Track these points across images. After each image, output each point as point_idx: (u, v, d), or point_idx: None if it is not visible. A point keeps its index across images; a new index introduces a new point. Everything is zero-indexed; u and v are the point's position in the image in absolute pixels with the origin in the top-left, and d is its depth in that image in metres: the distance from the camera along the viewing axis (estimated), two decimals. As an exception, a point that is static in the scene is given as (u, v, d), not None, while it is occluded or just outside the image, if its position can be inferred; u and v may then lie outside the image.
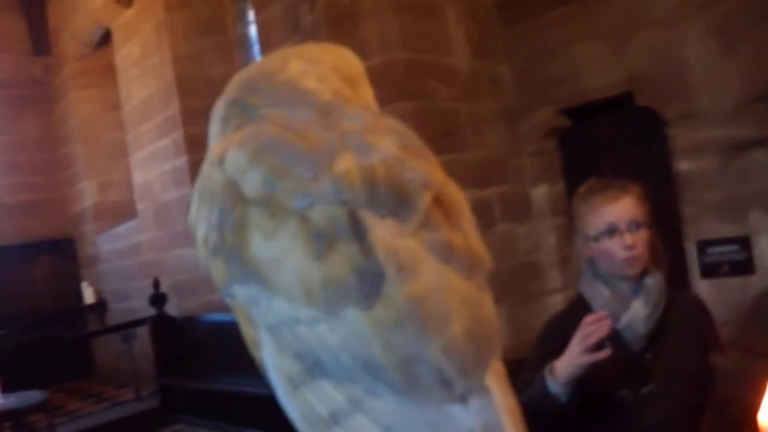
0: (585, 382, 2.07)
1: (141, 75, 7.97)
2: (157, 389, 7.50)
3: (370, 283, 0.84)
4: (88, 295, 9.96)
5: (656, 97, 4.14)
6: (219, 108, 1.09)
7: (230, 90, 1.09)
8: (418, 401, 0.87)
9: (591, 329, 1.90)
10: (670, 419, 2.02)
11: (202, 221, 0.96)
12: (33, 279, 10.28)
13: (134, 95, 8.19)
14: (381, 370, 0.86)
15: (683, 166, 4.11)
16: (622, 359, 2.04)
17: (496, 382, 0.91)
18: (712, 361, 2.10)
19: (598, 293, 2.13)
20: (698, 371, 2.08)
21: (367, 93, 1.08)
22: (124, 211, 9.36)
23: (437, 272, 0.88)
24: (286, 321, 0.88)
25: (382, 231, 0.87)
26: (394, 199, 0.89)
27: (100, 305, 9.91)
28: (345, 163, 0.88)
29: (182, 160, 7.41)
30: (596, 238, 2.10)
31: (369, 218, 0.87)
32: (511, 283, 4.60)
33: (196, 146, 7.28)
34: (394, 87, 4.22)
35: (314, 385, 0.88)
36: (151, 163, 8.07)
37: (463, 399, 0.88)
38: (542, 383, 1.98)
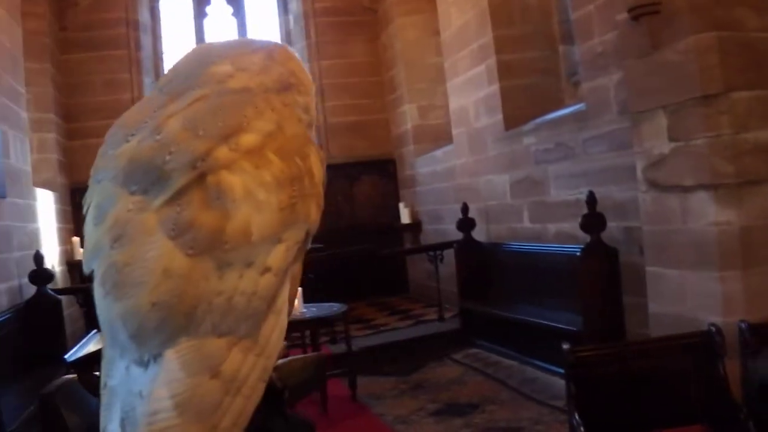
0: None
1: (458, 1, 8.44)
2: (458, 312, 8.10)
3: None
4: (405, 215, 10.89)
5: None
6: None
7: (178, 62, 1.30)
8: (119, 356, 1.06)
9: None
10: None
11: None
12: (355, 197, 11.45)
13: (453, 21, 8.71)
14: (102, 324, 1.07)
15: None
16: None
17: (181, 357, 1.01)
18: None
19: None
20: None
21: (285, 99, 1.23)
22: (442, 135, 10.03)
23: (155, 245, 1.03)
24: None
25: (122, 205, 1.05)
26: (150, 178, 1.05)
27: (416, 225, 10.81)
28: (129, 144, 1.08)
29: (494, 87, 7.79)
30: None
31: (119, 194, 1.06)
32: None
33: (508, 74, 7.63)
34: (697, 16, 4.16)
35: None
36: (466, 89, 8.57)
37: (146, 363, 1.03)
38: None
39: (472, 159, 8.65)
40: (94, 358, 3.15)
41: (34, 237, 7.40)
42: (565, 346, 3.77)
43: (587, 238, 5.74)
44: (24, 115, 7.38)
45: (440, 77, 9.67)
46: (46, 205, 8.48)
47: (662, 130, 4.50)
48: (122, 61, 10.80)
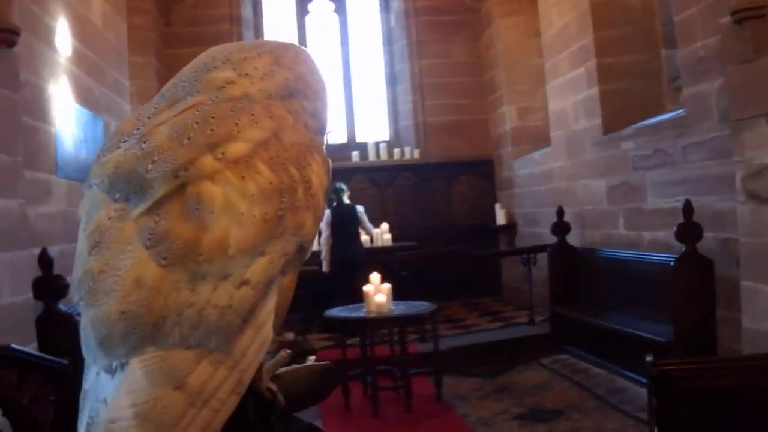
0: None
1: (560, 2, 8.31)
2: (549, 316, 7.98)
3: None
4: (501, 217, 10.80)
5: None
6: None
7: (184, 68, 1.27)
8: (91, 362, 1.06)
9: None
10: None
11: None
12: (452, 196, 11.42)
13: (553, 22, 8.59)
14: (80, 329, 1.07)
15: None
16: None
17: (145, 367, 1.01)
18: None
19: None
20: None
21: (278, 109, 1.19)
22: (540, 138, 9.90)
23: (130, 254, 1.02)
24: None
25: (104, 212, 1.05)
26: (132, 186, 1.03)
27: (511, 227, 10.70)
28: (118, 150, 1.08)
29: (594, 90, 7.64)
30: None
31: (103, 201, 1.06)
32: None
33: (608, 77, 7.47)
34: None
35: None
36: (565, 91, 8.43)
37: (113, 370, 1.02)
38: None
39: (569, 162, 8.51)
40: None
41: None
42: (648, 358, 3.65)
43: (683, 247, 5.57)
44: (128, 107, 7.63)
45: (540, 79, 9.53)
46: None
47: (764, 139, 4.31)
48: (225, 57, 11.06)
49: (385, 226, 9.83)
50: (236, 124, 1.10)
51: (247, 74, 1.19)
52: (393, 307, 6.23)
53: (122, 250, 1.03)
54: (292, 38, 11.92)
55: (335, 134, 11.89)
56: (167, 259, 1.02)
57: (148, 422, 0.99)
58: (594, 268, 7.53)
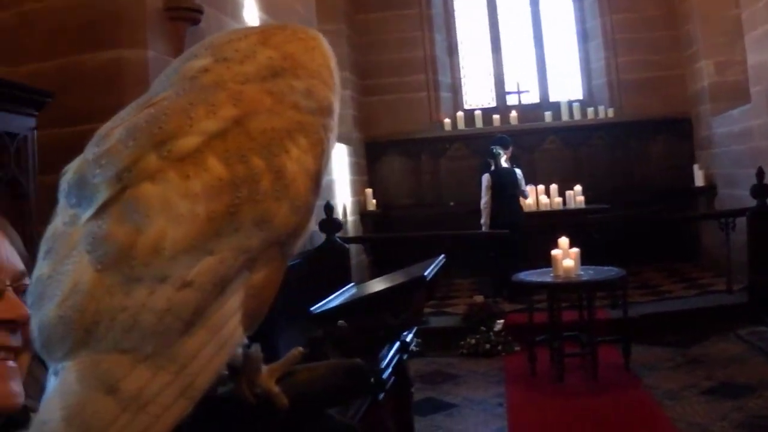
0: None
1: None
2: (747, 285, 7.63)
3: None
4: (699, 178, 10.31)
5: None
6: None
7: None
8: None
9: None
10: None
11: None
12: (648, 156, 11.05)
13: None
14: None
15: None
16: None
17: (79, 371, 1.00)
18: None
19: None
20: None
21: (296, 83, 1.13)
22: (740, 94, 9.32)
23: (73, 259, 1.02)
24: None
25: (60, 219, 1.07)
26: (83, 192, 1.03)
27: (710, 189, 10.21)
28: (80, 156, 1.08)
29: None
30: None
31: (62, 207, 1.07)
32: None
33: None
34: None
35: None
36: (765, 43, 7.91)
37: (57, 373, 1.03)
38: None
39: (770, 120, 8.01)
40: (339, 312, 3.41)
41: (328, 188, 8.01)
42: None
43: None
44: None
45: (739, 30, 8.94)
46: (340, 158, 9.21)
47: None
48: (414, 20, 11.30)
49: (578, 188, 9.70)
50: (190, 117, 1.07)
51: (225, 59, 1.15)
52: (581, 272, 6.18)
53: (68, 255, 1.05)
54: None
55: (528, 95, 11.85)
56: (103, 263, 1.03)
57: (76, 426, 1.00)
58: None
